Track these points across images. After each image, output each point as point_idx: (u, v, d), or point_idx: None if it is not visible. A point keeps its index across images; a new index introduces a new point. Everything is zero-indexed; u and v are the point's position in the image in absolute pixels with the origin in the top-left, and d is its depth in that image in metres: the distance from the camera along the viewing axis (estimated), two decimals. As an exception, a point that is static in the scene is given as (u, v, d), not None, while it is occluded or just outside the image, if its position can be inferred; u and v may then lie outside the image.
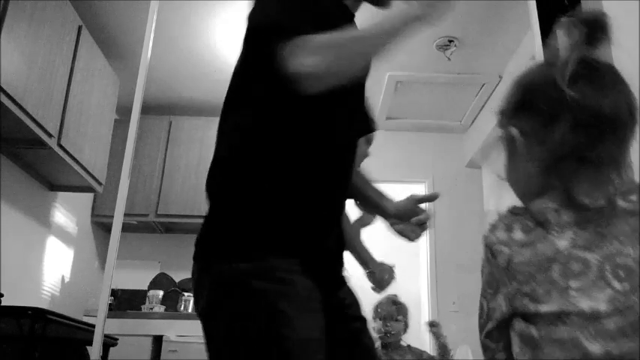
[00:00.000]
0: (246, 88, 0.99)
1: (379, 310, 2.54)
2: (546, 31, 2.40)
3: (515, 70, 3.47)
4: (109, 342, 2.58)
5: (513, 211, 0.80)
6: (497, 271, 0.77)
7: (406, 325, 2.58)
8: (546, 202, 0.77)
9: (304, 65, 0.86)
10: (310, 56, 0.86)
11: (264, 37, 0.92)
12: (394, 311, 2.53)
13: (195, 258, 0.98)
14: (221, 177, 0.98)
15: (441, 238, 3.95)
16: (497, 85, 3.51)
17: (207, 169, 1.02)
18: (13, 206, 2.65)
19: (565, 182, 0.77)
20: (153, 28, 2.26)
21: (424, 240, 4.04)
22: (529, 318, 0.73)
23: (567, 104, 0.77)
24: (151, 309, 3.36)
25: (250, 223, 0.93)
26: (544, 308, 0.71)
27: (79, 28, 2.68)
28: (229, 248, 0.93)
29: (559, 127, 0.77)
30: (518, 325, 0.74)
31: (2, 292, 2.04)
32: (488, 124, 3.69)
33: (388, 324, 2.50)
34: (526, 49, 3.00)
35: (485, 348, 0.81)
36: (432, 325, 2.63)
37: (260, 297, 0.88)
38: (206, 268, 0.95)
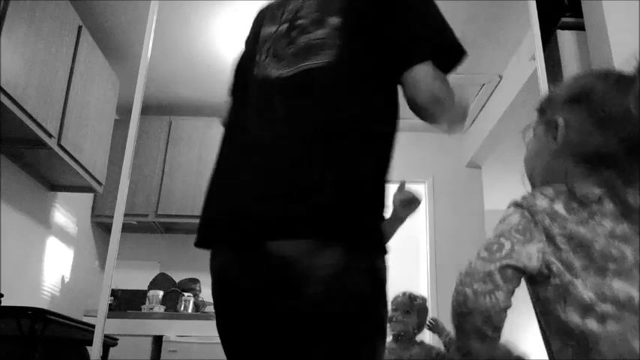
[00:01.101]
0: (384, 75, 1.00)
1: (394, 301, 2.55)
2: (546, 31, 2.40)
3: (515, 70, 3.48)
4: (109, 342, 2.58)
5: (556, 188, 0.84)
6: (535, 227, 0.80)
7: (420, 324, 2.55)
8: (590, 188, 0.82)
9: (447, 98, 0.98)
10: (450, 92, 1.00)
11: (438, 52, 1.01)
12: (408, 305, 2.53)
13: (334, 239, 0.87)
14: (369, 156, 0.95)
15: (441, 238, 3.95)
16: (498, 85, 3.51)
17: (211, 168, 1.04)
18: (13, 206, 2.65)
19: (609, 179, 0.83)
20: (153, 28, 2.26)
21: (424, 240, 4.04)
22: (566, 296, 0.76)
23: (629, 121, 0.84)
24: (151, 309, 3.35)
25: (381, 213, 0.95)
26: (579, 284, 0.76)
27: (79, 28, 2.68)
28: (380, 239, 0.93)
29: (610, 134, 0.85)
30: (572, 317, 0.76)
31: (2, 292, 2.04)
32: (488, 124, 3.69)
33: (400, 316, 2.49)
34: (526, 49, 3.00)
35: (483, 277, 0.78)
36: (431, 324, 2.60)
37: (385, 297, 0.93)
38: (359, 259, 0.88)
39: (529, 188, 0.95)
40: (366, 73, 0.99)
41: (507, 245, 0.80)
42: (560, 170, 0.87)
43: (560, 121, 0.90)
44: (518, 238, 0.80)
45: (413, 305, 2.54)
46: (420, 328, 2.56)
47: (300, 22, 1.05)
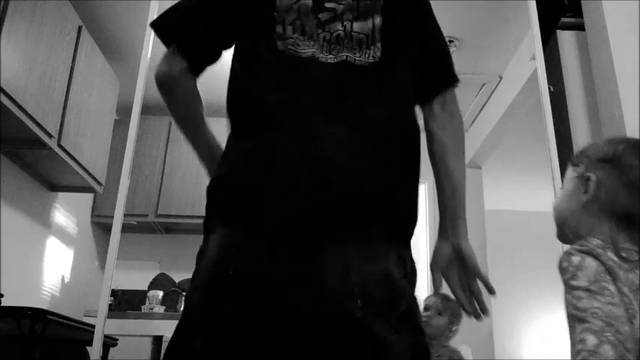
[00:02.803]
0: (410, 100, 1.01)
1: (426, 300, 2.36)
2: (546, 31, 2.40)
3: (515, 70, 3.48)
4: (109, 342, 2.58)
5: (603, 240, 0.98)
6: (606, 267, 0.93)
7: (451, 327, 2.30)
8: (626, 244, 0.97)
9: None
10: None
11: None
12: (439, 305, 2.30)
13: (401, 238, 0.88)
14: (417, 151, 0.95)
15: (441, 238, 3.95)
16: (498, 85, 3.52)
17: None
18: (13, 206, 2.65)
19: (630, 231, 0.98)
20: (153, 28, 2.26)
21: (424, 240, 4.04)
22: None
23: None
24: (151, 309, 3.35)
25: None
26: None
27: (79, 29, 2.68)
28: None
29: (637, 197, 1.00)
30: None
31: (2, 292, 2.04)
32: (488, 124, 3.69)
33: (429, 315, 2.28)
34: (526, 49, 3.00)
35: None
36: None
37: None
38: (407, 258, 0.88)
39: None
40: (406, 82, 0.99)
41: (611, 287, 0.92)
42: (591, 222, 1.03)
43: (593, 177, 1.04)
44: (609, 279, 0.92)
45: (445, 306, 2.30)
46: (452, 333, 2.31)
47: (330, 4, 0.96)
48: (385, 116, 0.91)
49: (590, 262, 0.94)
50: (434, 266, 1.05)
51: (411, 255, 0.90)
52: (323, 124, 0.87)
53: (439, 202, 1.04)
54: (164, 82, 1.05)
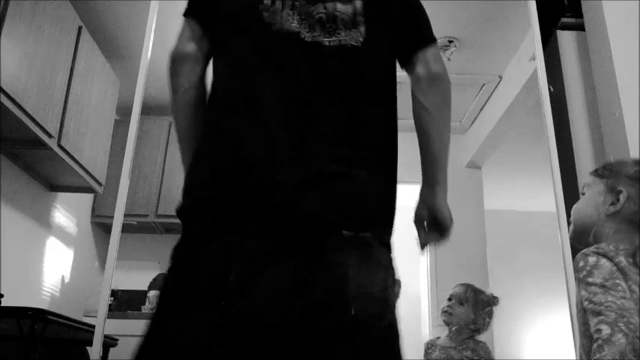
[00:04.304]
0: (394, 86, 1.05)
1: (452, 291, 2.30)
2: (546, 31, 2.40)
3: (515, 71, 3.48)
4: (109, 342, 2.58)
5: (614, 245, 1.11)
6: (618, 268, 1.06)
7: (475, 318, 2.19)
8: (634, 248, 1.10)
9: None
10: None
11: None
12: (462, 295, 2.22)
13: (379, 234, 0.92)
14: (392, 163, 1.02)
15: (441, 238, 3.95)
16: (498, 85, 3.51)
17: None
18: (13, 207, 2.65)
19: None
20: (153, 28, 2.26)
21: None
22: None
23: None
24: (151, 309, 3.35)
25: None
26: None
27: (79, 29, 2.68)
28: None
29: None
30: None
31: (2, 292, 2.04)
32: (488, 124, 3.69)
33: (450, 305, 2.23)
34: (526, 49, 3.00)
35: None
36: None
37: None
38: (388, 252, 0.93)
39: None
40: (390, 62, 1.04)
41: (623, 284, 1.05)
42: (614, 230, 1.16)
43: (625, 192, 1.17)
44: (622, 277, 1.06)
45: (468, 297, 2.21)
46: (477, 324, 2.19)
47: None
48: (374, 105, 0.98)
49: (605, 263, 1.06)
50: (415, 224, 1.14)
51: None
52: (316, 105, 0.91)
53: (421, 164, 1.10)
54: (175, 58, 1.10)
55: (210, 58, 1.10)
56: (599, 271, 1.05)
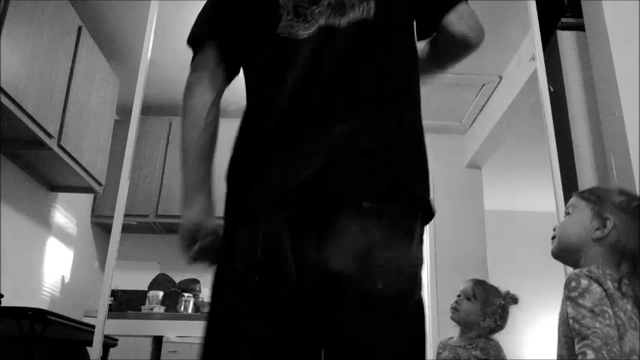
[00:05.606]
0: (415, 55, 1.05)
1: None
2: (546, 32, 2.40)
3: (515, 71, 3.48)
4: (109, 342, 2.58)
5: (602, 270, 1.17)
6: (607, 294, 1.13)
7: (488, 315, 2.03)
8: (625, 280, 1.17)
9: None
10: None
11: None
12: (469, 290, 2.10)
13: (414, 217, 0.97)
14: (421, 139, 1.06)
15: (441, 238, 3.95)
16: (498, 85, 3.51)
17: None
18: (13, 207, 2.65)
19: (630, 271, 1.19)
20: (153, 28, 2.26)
21: (424, 240, 4.04)
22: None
23: None
24: (151, 309, 3.35)
25: None
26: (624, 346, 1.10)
27: (79, 29, 2.68)
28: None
29: None
30: None
31: (2, 292, 2.04)
32: (488, 124, 3.69)
33: (457, 301, 2.11)
34: (526, 49, 3.00)
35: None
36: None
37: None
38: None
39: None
40: (407, 30, 1.03)
41: (610, 311, 1.11)
42: (597, 255, 1.22)
43: (612, 220, 1.23)
44: (609, 303, 1.12)
45: (477, 293, 2.07)
46: (487, 320, 2.03)
47: None
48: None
49: (596, 288, 1.12)
50: None
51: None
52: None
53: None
54: (188, 85, 1.12)
55: (228, 81, 1.12)
56: (590, 296, 1.11)
